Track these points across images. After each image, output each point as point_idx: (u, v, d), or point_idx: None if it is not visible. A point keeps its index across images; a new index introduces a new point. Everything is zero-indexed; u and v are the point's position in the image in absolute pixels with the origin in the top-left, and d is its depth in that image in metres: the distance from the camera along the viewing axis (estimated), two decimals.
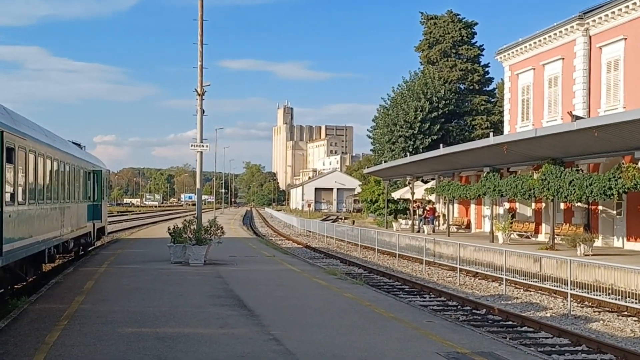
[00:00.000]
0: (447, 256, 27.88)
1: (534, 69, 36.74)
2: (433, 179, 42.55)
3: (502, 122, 46.29)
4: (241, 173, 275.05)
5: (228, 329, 10.77)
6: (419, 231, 40.11)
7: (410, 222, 43.13)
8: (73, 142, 25.95)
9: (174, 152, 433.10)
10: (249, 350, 9.18)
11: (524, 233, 33.35)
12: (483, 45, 62.64)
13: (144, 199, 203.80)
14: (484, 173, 32.06)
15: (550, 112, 35.13)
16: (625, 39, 29.48)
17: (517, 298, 19.42)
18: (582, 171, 25.48)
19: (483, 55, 61.87)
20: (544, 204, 32.60)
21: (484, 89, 62.48)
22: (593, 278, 18.58)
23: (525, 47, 37.31)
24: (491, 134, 30.80)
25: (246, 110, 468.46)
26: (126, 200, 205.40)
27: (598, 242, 26.67)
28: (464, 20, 61.73)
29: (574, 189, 24.06)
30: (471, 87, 61.30)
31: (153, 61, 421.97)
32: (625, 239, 27.81)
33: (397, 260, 29.77)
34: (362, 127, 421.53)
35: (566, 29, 33.17)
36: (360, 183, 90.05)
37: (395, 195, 49.54)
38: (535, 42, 36.22)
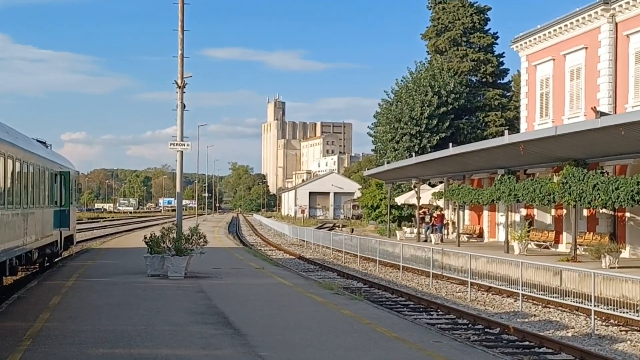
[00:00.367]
0: (456, 268, 27.91)
1: (554, 59, 36.86)
2: (441, 182, 42.62)
3: (518, 118, 46.44)
4: (227, 175, 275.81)
5: (211, 349, 10.77)
6: (425, 240, 40.16)
7: (415, 231, 43.16)
8: (38, 140, 25.88)
9: (151, 151, 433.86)
10: None
11: (542, 243, 33.41)
12: (497, 33, 62.70)
13: (117, 204, 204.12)
14: (498, 176, 32.13)
15: (572, 107, 35.25)
16: None
17: (534, 315, 19.46)
18: (608, 174, 25.56)
19: (497, 44, 62.12)
20: (564, 211, 32.66)
21: (498, 81, 62.62)
22: (620, 293, 18.61)
23: (544, 35, 37.44)
24: (506, 131, 30.90)
25: (233, 105, 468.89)
26: (97, 205, 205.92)
27: (625, 253, 26.75)
28: (476, 4, 61.86)
29: (599, 194, 24.12)
30: (484, 80, 61.45)
31: (128, 49, 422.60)
32: None
33: (401, 273, 29.80)
34: (362, 124, 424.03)
35: (590, 15, 33.31)
36: (360, 187, 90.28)
37: (399, 200, 49.60)
38: (555, 30, 36.35)
